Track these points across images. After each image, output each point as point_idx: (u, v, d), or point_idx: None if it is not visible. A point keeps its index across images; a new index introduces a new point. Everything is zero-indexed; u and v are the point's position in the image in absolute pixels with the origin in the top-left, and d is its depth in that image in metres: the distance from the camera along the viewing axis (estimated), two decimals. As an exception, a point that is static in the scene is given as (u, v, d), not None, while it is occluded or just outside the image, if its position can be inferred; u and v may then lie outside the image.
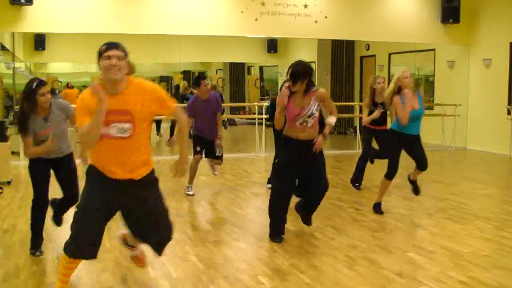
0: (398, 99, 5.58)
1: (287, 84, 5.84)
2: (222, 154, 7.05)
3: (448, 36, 11.68)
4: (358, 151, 11.52)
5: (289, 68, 4.68)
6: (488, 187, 7.65)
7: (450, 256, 4.43)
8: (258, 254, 4.53)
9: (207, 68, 22.79)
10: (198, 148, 6.86)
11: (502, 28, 11.13)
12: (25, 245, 4.71)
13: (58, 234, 5.15)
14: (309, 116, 4.67)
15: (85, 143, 3.21)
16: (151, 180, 3.39)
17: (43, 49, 15.06)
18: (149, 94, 3.18)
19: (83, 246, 3.25)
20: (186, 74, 20.23)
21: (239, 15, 10.15)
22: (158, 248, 3.58)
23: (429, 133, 12.83)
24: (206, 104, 6.74)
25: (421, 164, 5.90)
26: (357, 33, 11.40)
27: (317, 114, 4.72)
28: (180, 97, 14.05)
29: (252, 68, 21.98)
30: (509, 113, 10.96)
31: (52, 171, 4.61)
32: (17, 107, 10.57)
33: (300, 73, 4.60)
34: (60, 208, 4.82)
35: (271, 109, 6.69)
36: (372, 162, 7.29)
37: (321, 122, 5.04)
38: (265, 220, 5.64)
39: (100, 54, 3.11)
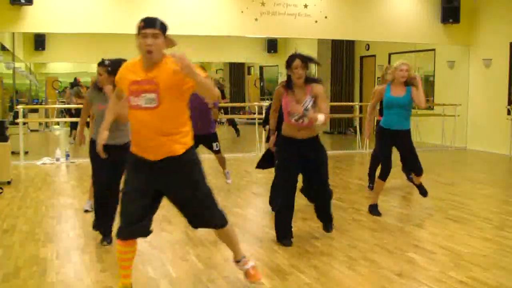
0: (381, 88, 5.68)
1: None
2: (219, 148, 7.05)
3: (448, 36, 11.68)
4: (358, 151, 11.55)
5: (290, 59, 4.53)
6: (488, 187, 7.65)
7: (450, 256, 4.43)
8: (258, 254, 4.52)
9: (207, 68, 22.78)
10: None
11: (502, 28, 11.13)
12: (25, 245, 4.72)
13: (58, 234, 5.16)
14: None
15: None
16: (187, 161, 3.32)
17: (43, 49, 15.09)
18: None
19: (130, 226, 3.30)
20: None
21: (239, 15, 10.15)
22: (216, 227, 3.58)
23: (429, 133, 12.86)
24: (198, 97, 6.72)
25: (416, 170, 5.80)
26: (357, 33, 11.40)
27: (313, 111, 4.52)
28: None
29: (252, 68, 21.99)
30: (509, 113, 10.96)
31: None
32: (17, 107, 10.62)
33: (309, 59, 4.54)
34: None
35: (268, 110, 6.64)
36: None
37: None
38: (265, 220, 5.65)
39: (138, 30, 3.14)
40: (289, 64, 4.53)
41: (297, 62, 4.48)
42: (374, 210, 5.86)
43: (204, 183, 3.45)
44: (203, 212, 3.45)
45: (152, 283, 3.85)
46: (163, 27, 3.17)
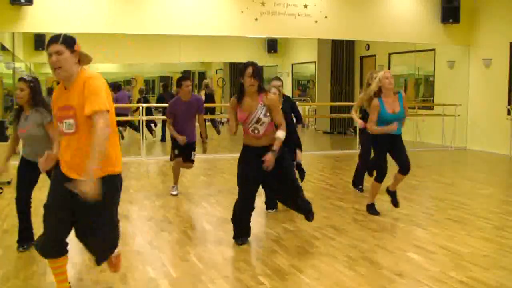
0: (376, 102, 5.48)
1: (276, 83, 5.70)
2: (195, 158, 6.97)
3: (448, 36, 11.68)
4: (358, 151, 11.51)
5: (244, 66, 4.48)
6: (488, 187, 7.64)
7: (450, 256, 4.43)
8: (258, 254, 4.53)
9: (207, 68, 22.81)
10: (176, 152, 6.80)
11: (502, 28, 11.13)
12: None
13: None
14: (256, 122, 4.50)
15: None
16: (105, 187, 3.06)
17: (43, 49, 15.03)
18: (83, 87, 3.04)
19: (49, 245, 3.29)
20: (186, 74, 20.26)
21: (239, 15, 10.15)
22: (96, 258, 3.44)
23: (429, 133, 12.85)
24: (187, 106, 6.62)
25: (403, 166, 5.70)
26: (357, 33, 11.40)
27: (266, 120, 4.51)
28: (170, 96, 13.95)
29: (252, 68, 21.96)
30: (509, 113, 10.95)
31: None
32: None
33: (260, 70, 4.50)
34: None
35: None
36: (370, 174, 7.09)
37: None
38: (265, 220, 5.65)
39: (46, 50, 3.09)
40: (242, 72, 4.49)
41: (250, 70, 4.45)
42: (371, 209, 5.87)
43: (112, 215, 3.31)
44: (96, 238, 3.30)
45: (152, 283, 3.86)
46: (67, 42, 3.08)
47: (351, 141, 13.40)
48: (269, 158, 4.45)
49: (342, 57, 15.79)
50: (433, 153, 11.33)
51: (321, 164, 9.77)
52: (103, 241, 3.33)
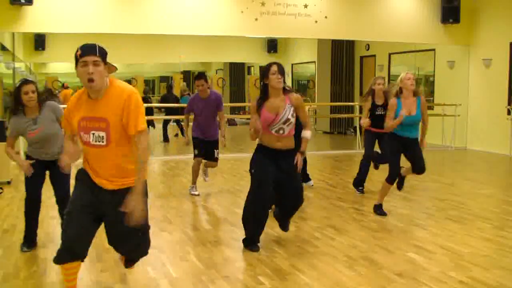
0: (394, 101, 5.57)
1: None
2: (218, 156, 6.98)
3: (448, 36, 11.68)
4: (358, 151, 11.54)
5: (267, 66, 4.47)
6: (488, 187, 7.65)
7: (450, 256, 4.43)
8: (258, 254, 4.52)
9: (207, 68, 22.82)
10: (196, 152, 6.81)
11: (502, 28, 11.13)
12: (25, 245, 4.72)
13: (59, 234, 5.14)
14: (284, 123, 4.42)
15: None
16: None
17: (43, 49, 15.08)
18: (125, 102, 3.00)
19: (70, 249, 3.18)
20: (186, 74, 20.25)
21: (239, 15, 10.15)
22: (127, 261, 3.52)
23: (429, 133, 12.75)
24: (205, 104, 6.68)
25: (418, 168, 5.79)
26: (357, 33, 11.40)
27: (293, 120, 4.46)
28: (174, 98, 13.93)
29: (252, 68, 21.98)
30: (509, 113, 10.95)
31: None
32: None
33: (283, 69, 4.49)
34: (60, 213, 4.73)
35: None
36: (376, 167, 7.18)
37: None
38: (265, 220, 5.64)
39: (76, 59, 2.97)
40: (266, 71, 4.46)
41: (275, 67, 4.44)
42: (379, 210, 5.87)
43: (145, 217, 3.26)
44: (132, 244, 3.33)
45: (152, 283, 3.86)
46: (102, 53, 3.02)
47: (351, 141, 13.41)
48: (300, 160, 4.54)
49: (342, 57, 15.80)
50: (433, 153, 11.32)
51: (321, 164, 9.78)
52: (137, 247, 3.35)
